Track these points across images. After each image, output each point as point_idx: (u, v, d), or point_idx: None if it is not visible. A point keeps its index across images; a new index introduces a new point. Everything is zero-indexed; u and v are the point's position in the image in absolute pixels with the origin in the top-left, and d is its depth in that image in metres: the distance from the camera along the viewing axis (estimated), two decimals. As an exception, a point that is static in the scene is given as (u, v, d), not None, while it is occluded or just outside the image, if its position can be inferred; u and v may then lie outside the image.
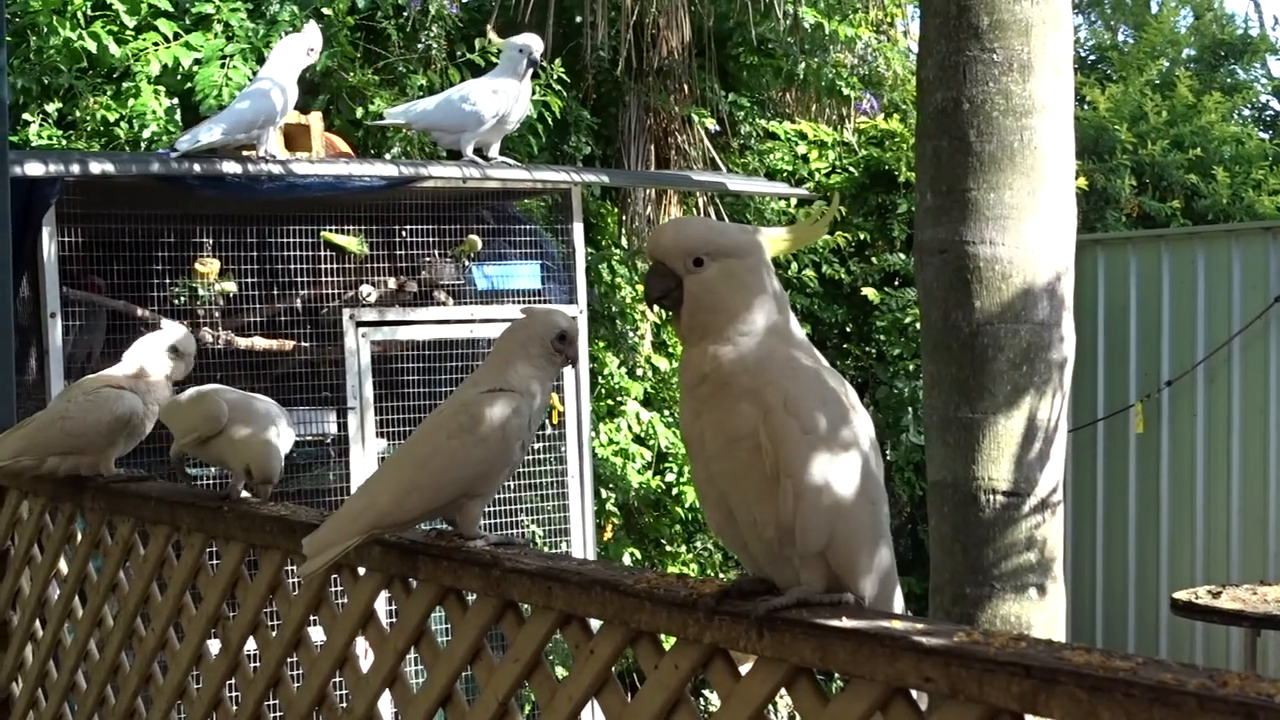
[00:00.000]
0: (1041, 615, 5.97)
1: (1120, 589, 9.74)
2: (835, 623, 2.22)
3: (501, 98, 6.98)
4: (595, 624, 2.68)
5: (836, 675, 2.25)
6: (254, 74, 7.48)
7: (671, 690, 2.49)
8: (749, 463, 2.27)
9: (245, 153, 6.42)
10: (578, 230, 7.23)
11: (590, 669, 2.64)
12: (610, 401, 9.39)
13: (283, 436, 3.63)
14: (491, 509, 7.03)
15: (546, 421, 7.13)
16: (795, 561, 2.30)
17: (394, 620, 3.16)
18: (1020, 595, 5.99)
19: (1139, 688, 1.84)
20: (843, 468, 2.30)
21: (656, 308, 2.44)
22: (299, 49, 6.66)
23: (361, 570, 3.21)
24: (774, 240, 2.41)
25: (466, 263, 6.97)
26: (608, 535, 9.11)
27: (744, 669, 2.42)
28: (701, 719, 2.49)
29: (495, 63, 7.59)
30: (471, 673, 2.96)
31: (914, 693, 2.18)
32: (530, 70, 7.20)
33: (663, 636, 2.54)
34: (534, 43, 7.17)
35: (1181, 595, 7.60)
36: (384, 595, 3.19)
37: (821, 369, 2.36)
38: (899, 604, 2.44)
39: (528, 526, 7.22)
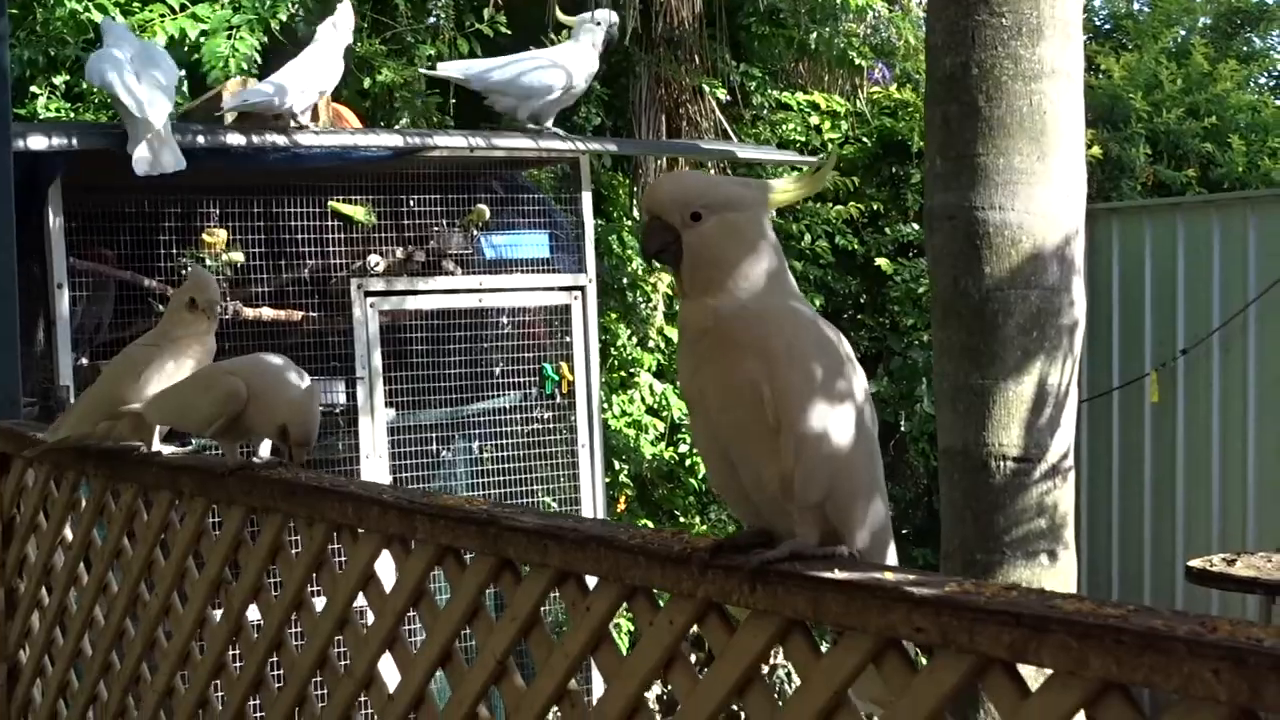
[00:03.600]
0: (1052, 581, 5.94)
1: (1136, 558, 9.71)
2: (828, 574, 2.20)
3: (566, 71, 7.04)
4: (592, 582, 2.68)
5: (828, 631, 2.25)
6: (261, 45, 7.47)
7: (667, 646, 2.48)
8: (752, 415, 2.25)
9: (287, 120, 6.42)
10: (586, 200, 7.21)
11: (586, 626, 2.63)
12: (623, 373, 9.37)
13: (312, 387, 3.55)
14: (503, 478, 7.04)
15: (556, 391, 7.12)
16: (793, 514, 2.29)
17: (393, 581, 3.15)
18: (1031, 561, 5.97)
19: (1129, 634, 1.82)
20: (842, 419, 2.29)
21: (657, 264, 2.43)
22: (344, 24, 6.70)
23: (360, 531, 3.20)
24: (773, 193, 2.38)
25: (475, 232, 6.96)
26: (621, 507, 9.11)
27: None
28: (697, 676, 2.48)
29: (505, 33, 7.58)
30: (470, 632, 2.95)
31: (907, 644, 2.17)
32: (605, 45, 7.23)
33: (658, 593, 2.53)
34: (607, 17, 7.24)
35: (1196, 563, 7.57)
36: (386, 557, 3.18)
37: (819, 321, 2.35)
38: (892, 558, 2.43)
39: (540, 497, 7.21)
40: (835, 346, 2.32)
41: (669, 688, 2.58)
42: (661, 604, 2.52)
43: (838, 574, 2.20)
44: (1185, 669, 1.77)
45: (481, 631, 2.90)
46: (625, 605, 2.61)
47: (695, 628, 2.51)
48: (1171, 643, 1.78)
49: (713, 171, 9.82)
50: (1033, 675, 1.97)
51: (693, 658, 2.56)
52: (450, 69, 7.35)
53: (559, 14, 7.74)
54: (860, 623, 2.16)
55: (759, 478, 2.29)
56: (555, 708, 2.74)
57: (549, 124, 7.14)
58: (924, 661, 2.15)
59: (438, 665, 3.02)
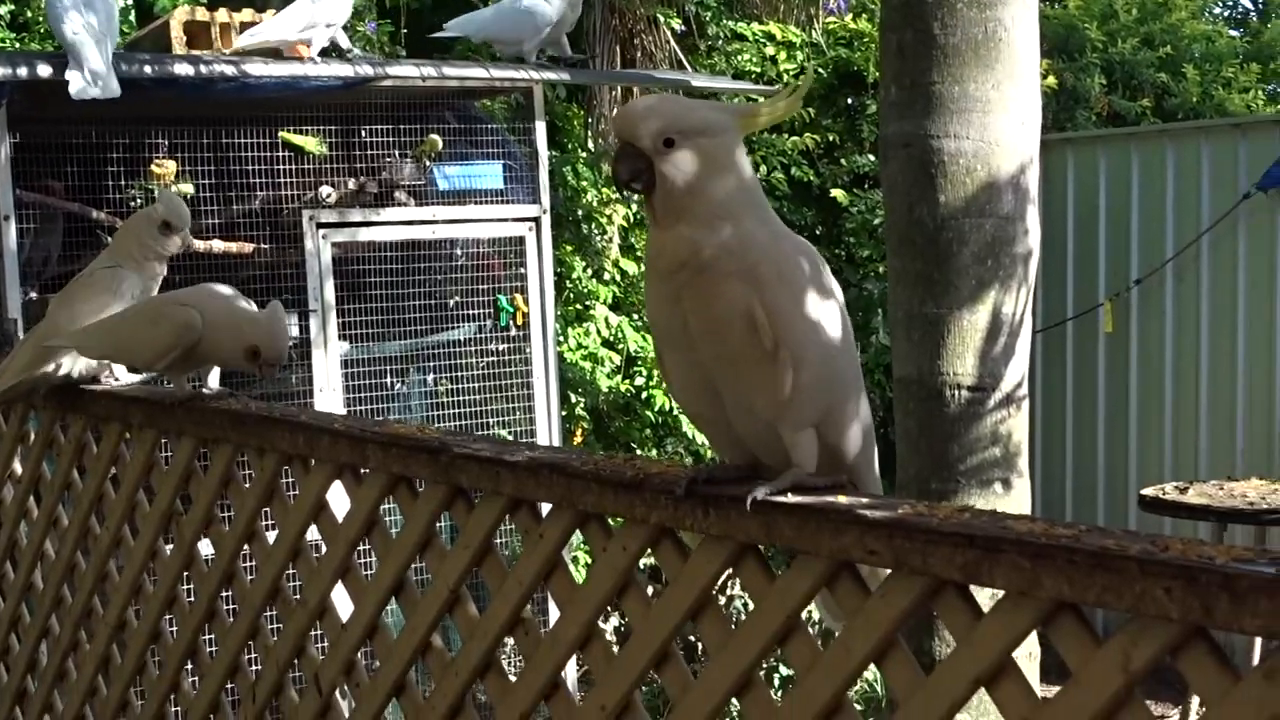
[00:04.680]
0: (1006, 509, 5.96)
1: (1090, 487, 9.78)
2: (781, 499, 2.19)
3: (552, 6, 7.03)
4: (546, 510, 2.66)
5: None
6: (210, -27, 7.38)
7: (620, 571, 2.48)
8: (742, 342, 2.19)
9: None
10: (540, 130, 7.15)
11: (540, 553, 2.62)
12: (578, 306, 9.34)
13: (274, 308, 3.49)
14: (459, 410, 7.01)
15: (511, 323, 7.09)
16: (787, 441, 2.25)
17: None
18: (985, 490, 6.00)
19: (1081, 554, 1.82)
20: (833, 339, 2.27)
21: (628, 192, 2.32)
22: None
23: (312, 462, 3.18)
24: (746, 117, 2.32)
25: (427, 163, 6.90)
26: (578, 439, 9.10)
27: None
28: (650, 601, 2.48)
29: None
30: (422, 561, 2.94)
31: (861, 569, 2.17)
32: None
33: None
34: None
35: (1149, 491, 7.62)
36: (338, 487, 3.16)
37: (799, 241, 2.31)
38: (876, 473, 2.42)
39: (495, 429, 7.19)
40: (819, 266, 2.29)
41: (625, 620, 2.57)
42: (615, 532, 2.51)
43: (790, 498, 2.20)
44: (1137, 588, 1.77)
45: (434, 560, 2.89)
46: (578, 532, 2.60)
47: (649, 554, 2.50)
48: (1124, 562, 1.78)
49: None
50: (987, 599, 1.96)
51: (650, 590, 2.55)
52: (453, 26, 7.39)
53: None
54: (813, 546, 2.16)
55: (749, 407, 2.25)
56: (509, 636, 2.73)
57: (561, 52, 7.28)
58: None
59: (391, 594, 3.01)
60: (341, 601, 3.15)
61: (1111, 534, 1.85)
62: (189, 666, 3.68)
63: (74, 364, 3.87)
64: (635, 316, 9.63)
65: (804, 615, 2.25)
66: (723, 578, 2.38)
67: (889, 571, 2.08)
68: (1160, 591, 1.74)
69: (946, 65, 5.81)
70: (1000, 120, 5.83)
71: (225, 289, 3.64)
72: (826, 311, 2.25)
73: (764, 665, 2.34)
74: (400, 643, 2.97)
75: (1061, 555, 1.84)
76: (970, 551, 1.94)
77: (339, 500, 3.15)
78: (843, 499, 2.17)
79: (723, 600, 6.85)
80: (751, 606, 2.32)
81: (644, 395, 9.48)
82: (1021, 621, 1.92)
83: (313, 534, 3.26)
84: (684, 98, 2.41)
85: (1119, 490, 9.62)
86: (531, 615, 2.73)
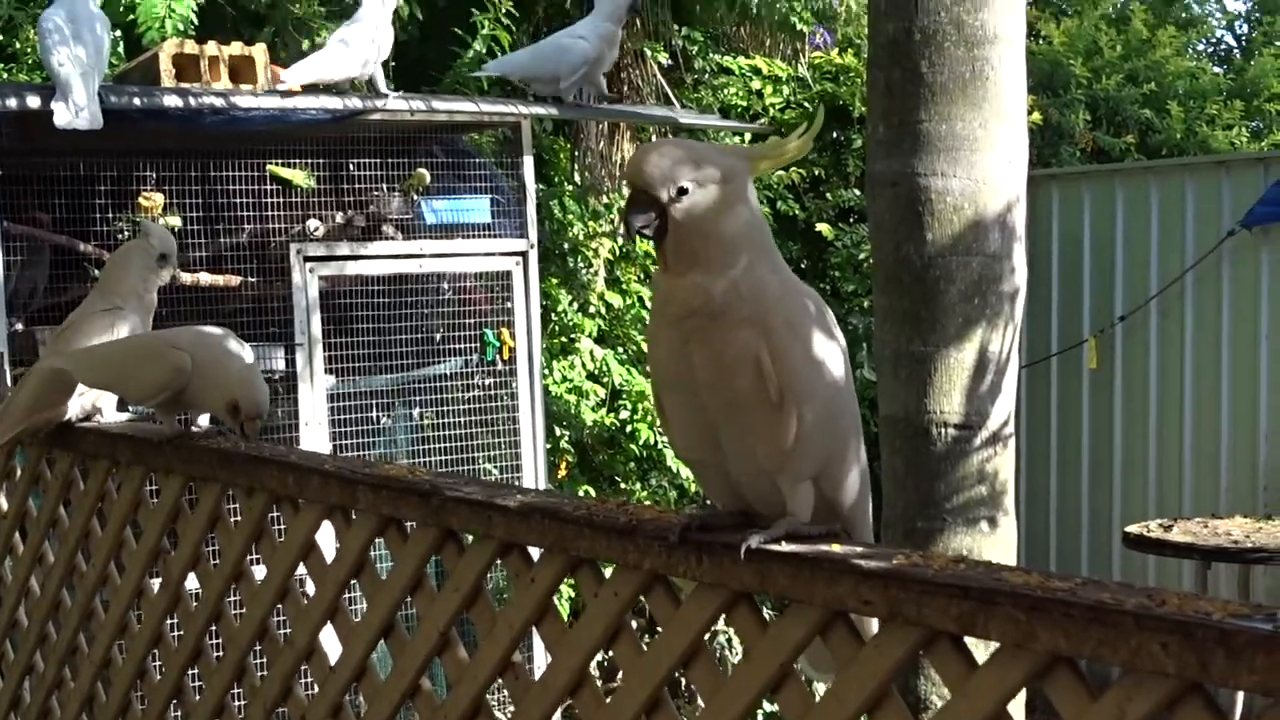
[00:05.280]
0: (993, 549, 5.96)
1: (1074, 523, 9.78)
2: (775, 547, 2.19)
3: (592, 43, 7.10)
4: (536, 554, 2.66)
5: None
6: (197, 5, 7.37)
7: (612, 617, 2.47)
8: (749, 390, 2.19)
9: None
10: (528, 164, 7.15)
11: (531, 597, 2.62)
12: (563, 339, 9.33)
13: (253, 362, 3.51)
14: (445, 445, 6.99)
15: (498, 357, 7.08)
16: (784, 490, 2.25)
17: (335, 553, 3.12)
18: (972, 529, 5.99)
19: (1077, 607, 1.82)
20: (838, 391, 2.28)
21: (639, 238, 2.29)
22: None
23: (301, 502, 3.17)
24: (756, 160, 2.31)
25: (415, 197, 6.90)
26: (562, 473, 9.08)
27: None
28: (642, 647, 2.47)
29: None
30: (412, 603, 2.93)
31: (854, 616, 2.17)
32: (629, 14, 7.47)
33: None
34: None
35: (1133, 529, 7.63)
36: (328, 528, 3.15)
37: (807, 290, 2.31)
38: (869, 522, 2.42)
39: (481, 464, 7.17)
40: (826, 317, 2.29)
41: (609, 655, 2.57)
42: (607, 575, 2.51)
43: (784, 546, 2.19)
44: (1133, 642, 1.77)
45: (424, 602, 2.88)
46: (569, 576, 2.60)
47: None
48: (1120, 616, 1.78)
49: (655, 138, 9.78)
50: (981, 649, 1.96)
51: (633, 624, 2.54)
52: (491, 68, 7.57)
53: None
54: (807, 595, 2.16)
55: (750, 454, 2.25)
56: (499, 680, 2.73)
57: (594, 96, 7.36)
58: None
59: (380, 636, 3.00)
60: (329, 643, 3.14)
61: (1107, 587, 1.86)
62: (174, 706, 3.66)
63: (75, 405, 3.87)
64: (620, 350, 9.63)
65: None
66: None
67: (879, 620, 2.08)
68: (1157, 646, 1.74)
69: (934, 104, 5.81)
70: (988, 159, 5.84)
71: (218, 331, 3.65)
72: (831, 363, 2.25)
73: (755, 714, 2.33)
74: (389, 685, 2.96)
75: (1058, 608, 1.84)
76: (965, 603, 1.94)
77: (327, 539, 3.14)
78: (837, 548, 2.17)
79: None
80: (738, 646, 2.32)
81: (629, 429, 9.46)
82: (1016, 674, 1.92)
83: (300, 574, 3.25)
84: (695, 143, 2.40)
85: (1102, 526, 9.62)
86: (521, 659, 2.73)
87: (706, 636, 2.39)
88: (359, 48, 6.45)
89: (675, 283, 2.23)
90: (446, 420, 7.02)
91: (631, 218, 2.24)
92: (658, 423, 9.41)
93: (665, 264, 2.25)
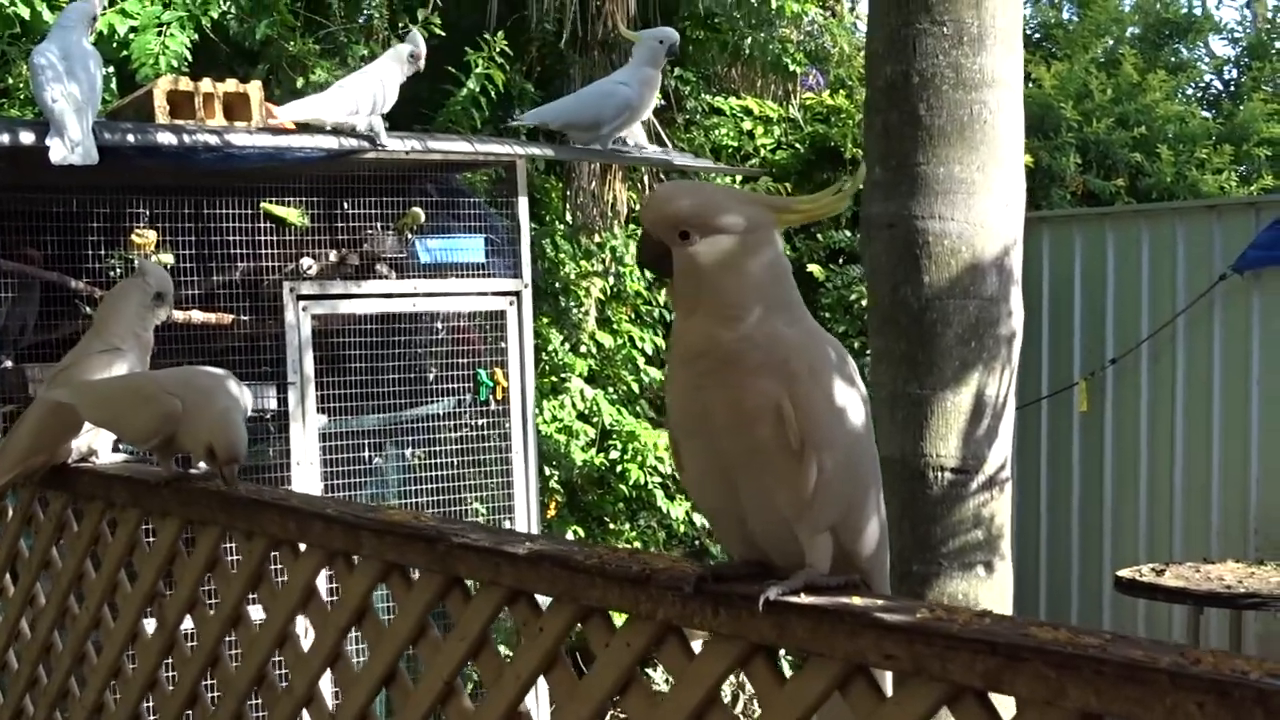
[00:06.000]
0: (989, 594, 5.93)
1: (1064, 567, 9.75)
2: (794, 599, 2.15)
3: (635, 89, 7.17)
4: (543, 601, 2.62)
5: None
6: (192, 42, 7.35)
7: (623, 668, 2.43)
8: (768, 438, 2.15)
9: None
10: (523, 204, 7.13)
11: (539, 647, 2.57)
12: (554, 378, 9.30)
13: (239, 404, 3.49)
14: (436, 485, 6.95)
15: (491, 398, 7.05)
16: (803, 540, 2.21)
17: (335, 598, 3.08)
18: (968, 573, 5.95)
19: (1109, 665, 1.79)
20: (858, 439, 2.25)
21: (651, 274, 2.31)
22: (404, 54, 6.78)
23: (303, 546, 3.13)
24: (783, 212, 2.28)
25: (409, 235, 6.87)
26: (551, 513, 9.04)
27: (696, 645, 2.36)
28: (655, 699, 2.43)
29: (440, 34, 7.54)
30: (415, 651, 2.89)
31: (875, 671, 2.13)
32: (667, 60, 7.54)
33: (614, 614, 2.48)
34: (671, 35, 7.45)
35: (1125, 573, 7.60)
36: (325, 572, 3.11)
37: (829, 340, 2.28)
38: (887, 572, 2.39)
39: (471, 504, 7.13)
40: (848, 365, 2.26)
41: (619, 709, 2.53)
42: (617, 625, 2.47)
43: (804, 599, 2.16)
44: (1168, 701, 1.74)
45: (428, 651, 2.84)
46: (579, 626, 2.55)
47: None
48: (1154, 674, 1.75)
49: (647, 178, 9.77)
50: (1006, 705, 1.93)
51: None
52: (530, 116, 7.60)
53: (622, 29, 7.87)
54: (827, 648, 2.12)
55: (768, 503, 2.21)
56: (505, 730, 2.68)
57: (637, 140, 7.43)
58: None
59: (382, 685, 2.95)
60: (329, 691, 3.09)
61: (1139, 644, 1.82)
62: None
63: (74, 446, 3.84)
64: (611, 390, 9.60)
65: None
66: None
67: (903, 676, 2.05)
68: (1193, 706, 1.71)
69: (932, 147, 5.81)
70: (985, 202, 5.83)
71: (213, 372, 3.62)
72: (853, 411, 2.22)
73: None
74: (391, 734, 2.91)
75: (1088, 665, 1.80)
76: (992, 659, 1.90)
77: (326, 584, 3.10)
78: (858, 600, 2.13)
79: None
80: (744, 694, 2.28)
81: (618, 469, 9.42)
82: (1044, 732, 1.88)
83: (300, 619, 3.20)
84: (715, 188, 2.36)
85: (1093, 570, 9.59)
86: (528, 710, 2.68)
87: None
88: (358, 96, 6.44)
89: (685, 324, 2.23)
90: (438, 461, 6.97)
91: (639, 253, 2.33)
92: (647, 463, 9.43)
93: (673, 303, 2.25)
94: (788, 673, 2.22)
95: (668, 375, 2.34)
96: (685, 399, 2.24)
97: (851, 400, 2.24)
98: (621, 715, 2.45)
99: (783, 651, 2.29)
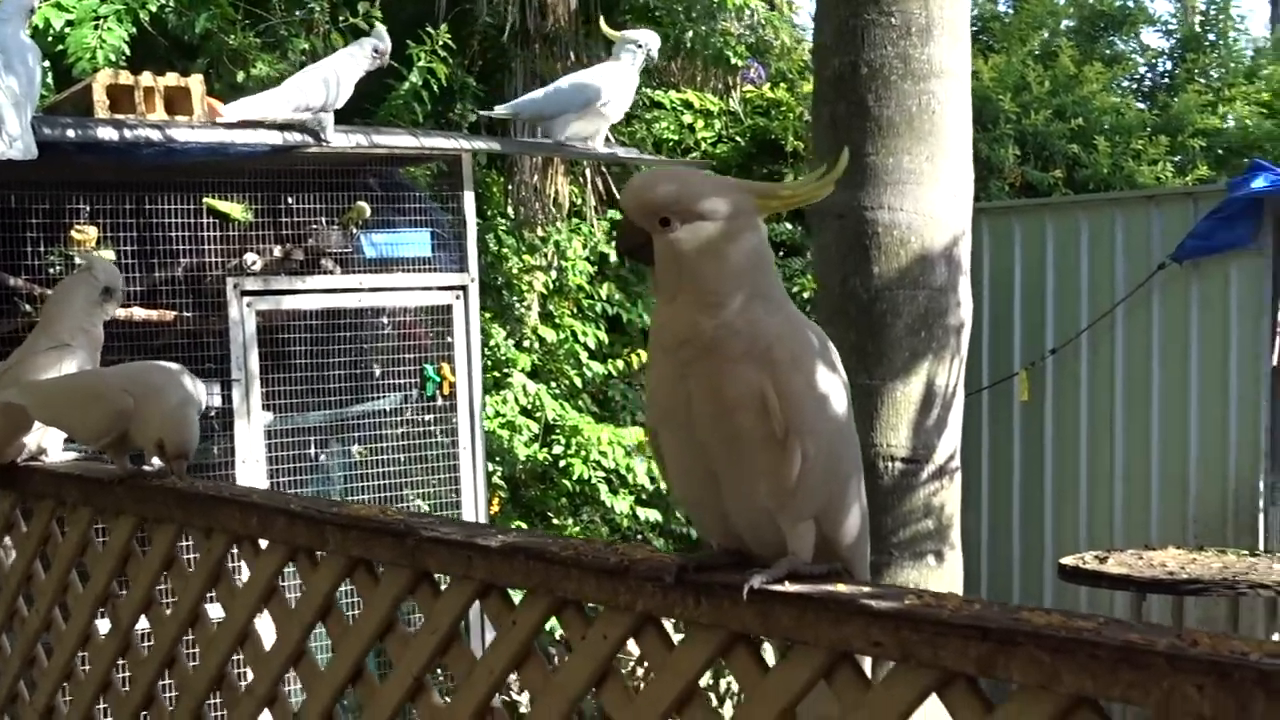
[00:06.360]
0: (939, 583, 5.96)
1: (1006, 556, 9.80)
2: (778, 587, 2.13)
3: (598, 86, 7.09)
4: (515, 594, 2.58)
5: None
6: (130, 36, 7.25)
7: (600, 660, 2.40)
8: (752, 426, 2.13)
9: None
10: (468, 198, 7.06)
11: (513, 639, 2.54)
12: (497, 373, 9.24)
13: (194, 399, 3.44)
14: (381, 481, 6.87)
15: (438, 393, 6.98)
16: (785, 529, 2.19)
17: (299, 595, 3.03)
18: (918, 562, 5.98)
19: (1104, 648, 1.78)
20: (840, 427, 2.23)
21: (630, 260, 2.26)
22: (367, 49, 6.66)
23: (264, 543, 3.07)
24: (765, 197, 2.24)
25: (355, 230, 6.79)
26: (494, 509, 8.98)
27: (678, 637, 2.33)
28: (632, 692, 2.40)
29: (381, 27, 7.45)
30: (383, 648, 2.84)
31: (860, 658, 2.11)
32: (644, 65, 7.42)
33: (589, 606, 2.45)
34: (650, 39, 7.33)
35: (1069, 561, 7.64)
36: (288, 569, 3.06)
37: (811, 327, 2.26)
38: (868, 560, 2.36)
39: (415, 501, 7.06)
40: (830, 353, 2.24)
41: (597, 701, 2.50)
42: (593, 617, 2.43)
43: (788, 587, 2.13)
44: (1166, 684, 1.72)
45: (396, 647, 2.79)
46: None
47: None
48: (1151, 657, 1.73)
49: (589, 171, 9.74)
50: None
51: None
52: (501, 110, 7.47)
53: (605, 28, 7.80)
54: (812, 637, 2.09)
55: (750, 492, 2.19)
56: (477, 726, 2.64)
57: (598, 142, 7.28)
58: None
59: (348, 683, 2.90)
60: (293, 689, 3.04)
61: (1134, 627, 1.81)
62: (125, 755, 3.54)
63: (27, 443, 3.76)
64: (554, 385, 9.56)
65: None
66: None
67: (888, 663, 2.03)
68: (1191, 689, 1.70)
69: (881, 138, 5.83)
70: (934, 192, 5.85)
71: (166, 367, 3.57)
72: (835, 399, 2.21)
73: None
74: (358, 732, 2.87)
75: (1084, 649, 1.79)
76: (984, 645, 1.88)
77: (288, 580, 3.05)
78: (842, 587, 2.12)
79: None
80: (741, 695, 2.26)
81: (562, 464, 9.38)
82: (1037, 717, 1.86)
83: (262, 617, 3.15)
84: (698, 174, 2.33)
85: (1034, 558, 9.65)
86: (500, 706, 2.65)
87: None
88: (308, 93, 6.34)
89: (666, 311, 2.20)
90: (385, 457, 6.90)
91: (618, 240, 2.29)
92: (590, 458, 9.39)
93: (655, 290, 2.21)
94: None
95: (648, 364, 2.31)
96: (667, 388, 2.21)
97: (834, 388, 2.22)
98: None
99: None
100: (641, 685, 2.37)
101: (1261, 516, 8.66)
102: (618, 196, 9.98)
